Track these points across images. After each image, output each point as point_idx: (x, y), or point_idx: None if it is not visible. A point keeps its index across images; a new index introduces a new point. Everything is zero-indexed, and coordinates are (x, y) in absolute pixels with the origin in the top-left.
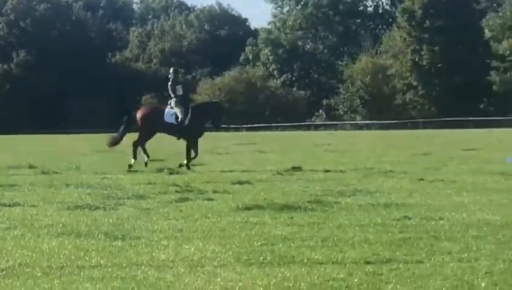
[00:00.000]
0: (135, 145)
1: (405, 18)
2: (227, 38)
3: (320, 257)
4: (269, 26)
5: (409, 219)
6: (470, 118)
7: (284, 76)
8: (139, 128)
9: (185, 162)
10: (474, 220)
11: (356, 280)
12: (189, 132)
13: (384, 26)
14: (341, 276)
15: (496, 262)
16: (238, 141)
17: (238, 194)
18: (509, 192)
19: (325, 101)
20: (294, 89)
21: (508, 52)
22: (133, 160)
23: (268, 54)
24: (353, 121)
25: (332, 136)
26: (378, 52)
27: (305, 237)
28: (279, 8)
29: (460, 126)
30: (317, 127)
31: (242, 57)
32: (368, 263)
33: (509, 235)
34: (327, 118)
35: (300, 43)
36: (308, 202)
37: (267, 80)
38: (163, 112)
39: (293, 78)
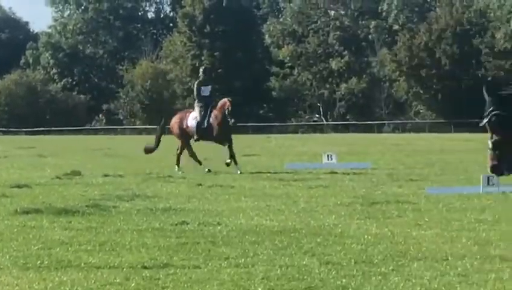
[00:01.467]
0: (192, 155)
1: (185, 23)
2: (7, 41)
3: (97, 262)
4: (50, 30)
5: (187, 224)
6: (250, 124)
7: (64, 80)
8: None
9: (228, 160)
10: (252, 225)
11: (133, 284)
12: (209, 134)
13: (165, 31)
14: (118, 281)
15: (273, 268)
16: (17, 145)
17: (17, 197)
18: (287, 198)
19: (105, 106)
20: (75, 93)
21: (288, 58)
22: (203, 167)
23: (49, 57)
24: (133, 125)
25: (112, 140)
26: (159, 57)
27: (83, 241)
28: (59, 12)
29: (240, 131)
30: (97, 132)
31: (22, 61)
32: (145, 267)
33: (286, 240)
34: (107, 123)
35: (81, 48)
36: (86, 206)
37: (47, 84)
38: (188, 117)
39: (74, 83)
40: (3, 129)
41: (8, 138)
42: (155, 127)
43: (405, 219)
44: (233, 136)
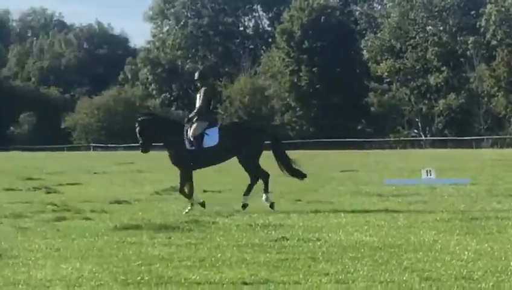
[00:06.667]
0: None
1: (284, 39)
2: (106, 57)
3: (197, 278)
4: (148, 46)
5: (287, 239)
6: (348, 139)
7: (163, 96)
8: None
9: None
10: (352, 241)
11: None
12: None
13: (263, 47)
14: None
15: (373, 284)
16: (116, 161)
17: (116, 213)
18: (386, 213)
19: None
20: (173, 108)
21: (386, 73)
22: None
23: (147, 73)
24: None
25: None
26: (257, 72)
27: (183, 257)
28: (158, 28)
29: (338, 147)
30: None
31: (121, 76)
32: (245, 283)
33: (386, 256)
34: None
35: (180, 63)
36: (185, 222)
37: (145, 100)
38: None
39: (172, 98)
40: (102, 145)
41: (106, 154)
42: None
43: (505, 235)
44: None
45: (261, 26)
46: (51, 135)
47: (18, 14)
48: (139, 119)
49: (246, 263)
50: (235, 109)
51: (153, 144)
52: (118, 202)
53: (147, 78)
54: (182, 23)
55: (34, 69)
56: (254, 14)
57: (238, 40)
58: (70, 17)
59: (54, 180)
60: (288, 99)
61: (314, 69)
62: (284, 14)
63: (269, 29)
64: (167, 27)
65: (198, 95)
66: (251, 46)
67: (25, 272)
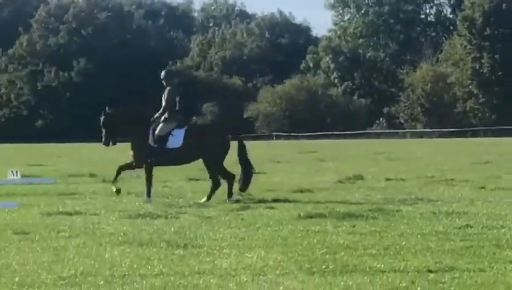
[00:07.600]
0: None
1: (465, 26)
2: (288, 46)
3: (382, 266)
4: (330, 34)
5: (471, 227)
6: None
7: (345, 84)
8: None
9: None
10: None
11: (419, 288)
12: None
13: (444, 34)
14: (404, 284)
15: None
16: (299, 150)
17: (300, 202)
18: None
19: (385, 109)
20: (355, 97)
21: None
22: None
23: (329, 62)
24: (414, 129)
25: (393, 144)
26: (439, 60)
27: (367, 245)
28: (339, 16)
29: None
30: (378, 135)
31: (303, 65)
32: (430, 271)
33: None
34: (388, 126)
35: (361, 51)
36: (369, 210)
37: (327, 88)
38: None
39: (354, 86)
40: (284, 134)
41: (289, 143)
42: (435, 130)
43: None
44: None
45: (442, 14)
46: (233, 125)
47: (200, 5)
48: (106, 111)
49: (431, 251)
50: (417, 97)
51: (119, 137)
52: (301, 191)
53: (329, 67)
54: (362, 11)
55: (216, 59)
56: (435, 1)
57: (419, 28)
58: (252, 6)
59: (237, 170)
60: (470, 87)
61: (496, 56)
62: (465, 1)
63: (451, 16)
64: (348, 15)
65: (163, 95)
66: (433, 34)
67: (210, 261)
